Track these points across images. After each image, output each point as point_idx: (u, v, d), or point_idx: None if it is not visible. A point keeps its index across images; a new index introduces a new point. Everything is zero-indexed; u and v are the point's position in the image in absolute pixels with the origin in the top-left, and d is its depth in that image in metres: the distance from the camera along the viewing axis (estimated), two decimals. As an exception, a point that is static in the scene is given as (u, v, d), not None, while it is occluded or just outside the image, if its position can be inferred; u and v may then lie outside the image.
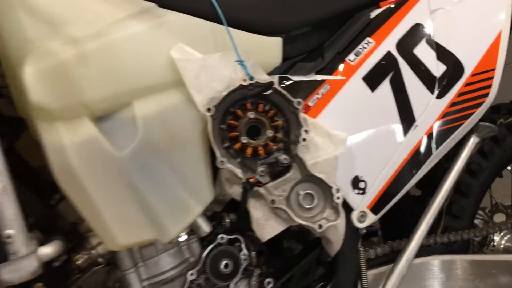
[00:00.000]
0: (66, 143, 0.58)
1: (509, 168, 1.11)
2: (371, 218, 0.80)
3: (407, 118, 0.81)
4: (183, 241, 0.75)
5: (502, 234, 1.14)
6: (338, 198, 0.69)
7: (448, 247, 0.94)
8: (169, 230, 0.66)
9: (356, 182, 0.79)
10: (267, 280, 0.77)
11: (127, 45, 0.64)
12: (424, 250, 0.90)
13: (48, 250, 0.62)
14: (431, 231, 0.93)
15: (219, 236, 0.75)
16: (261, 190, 0.67)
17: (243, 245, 0.77)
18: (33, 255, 0.57)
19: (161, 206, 0.65)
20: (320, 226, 0.68)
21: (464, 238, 0.95)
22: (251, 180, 0.67)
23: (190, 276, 0.74)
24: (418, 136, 0.82)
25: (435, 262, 0.90)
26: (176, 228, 0.67)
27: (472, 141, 0.91)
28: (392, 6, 0.85)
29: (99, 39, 0.62)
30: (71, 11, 0.62)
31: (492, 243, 1.13)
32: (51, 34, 0.60)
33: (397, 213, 0.92)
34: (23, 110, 0.62)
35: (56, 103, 0.58)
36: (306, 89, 0.76)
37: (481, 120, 0.92)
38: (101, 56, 0.61)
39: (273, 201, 0.67)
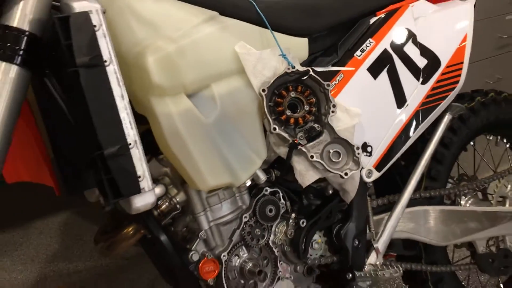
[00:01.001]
0: (172, 112, 0.80)
1: (471, 143, 1.38)
2: (376, 174, 1.05)
3: (400, 99, 1.07)
4: (237, 193, 0.97)
5: (466, 198, 1.41)
6: (358, 153, 0.94)
7: (428, 201, 1.20)
8: (240, 176, 0.89)
9: (364, 147, 1.03)
10: (301, 220, 1.01)
11: (204, 43, 0.86)
12: (411, 202, 1.16)
13: (158, 190, 0.84)
14: (416, 189, 1.19)
15: (264, 188, 0.98)
16: (303, 149, 0.91)
17: (281, 196, 1.00)
18: (152, 191, 0.78)
19: (234, 159, 0.87)
20: (346, 174, 0.93)
21: (441, 194, 1.21)
22: (296, 141, 0.91)
23: (244, 218, 0.96)
24: (409, 113, 1.08)
25: (420, 210, 1.16)
26: (244, 175, 0.89)
27: (447, 117, 1.18)
28: (385, 15, 1.11)
29: (186, 39, 0.84)
30: (164, 18, 0.84)
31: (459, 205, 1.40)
32: (154, 35, 0.82)
33: (389, 176, 1.18)
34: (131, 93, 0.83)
35: (166, 83, 0.79)
36: (327, 77, 1.00)
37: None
38: (190, 51, 0.83)
39: (312, 156, 0.91)
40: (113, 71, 0.74)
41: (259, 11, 0.93)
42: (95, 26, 0.72)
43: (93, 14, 0.72)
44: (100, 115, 0.73)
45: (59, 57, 0.73)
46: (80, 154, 0.85)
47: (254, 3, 0.93)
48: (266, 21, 0.93)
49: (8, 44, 0.70)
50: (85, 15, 0.71)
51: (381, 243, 1.08)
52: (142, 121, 0.85)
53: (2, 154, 0.74)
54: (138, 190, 0.76)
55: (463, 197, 1.36)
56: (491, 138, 1.43)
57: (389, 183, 1.18)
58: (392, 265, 1.08)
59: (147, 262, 1.62)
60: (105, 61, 0.73)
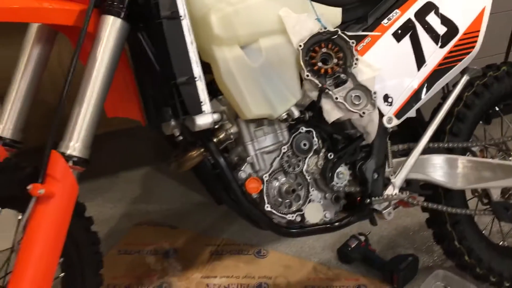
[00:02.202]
0: (228, 57, 1.06)
1: (497, 108, 1.53)
2: (395, 121, 1.26)
3: (420, 59, 1.27)
4: (278, 130, 1.22)
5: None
6: (375, 97, 1.16)
7: (449, 153, 1.38)
8: (278, 110, 1.13)
9: (386, 98, 1.25)
10: (329, 154, 1.24)
11: (255, 7, 1.11)
12: (432, 150, 1.35)
13: (216, 116, 1.10)
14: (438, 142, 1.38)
15: (300, 127, 1.22)
16: (330, 92, 1.14)
17: (314, 134, 1.24)
18: (210, 114, 1.05)
19: (274, 96, 1.12)
20: (364, 113, 1.15)
21: (461, 147, 1.39)
22: (324, 86, 1.14)
23: (283, 149, 1.21)
24: (427, 71, 1.27)
25: (439, 157, 1.35)
26: (281, 109, 1.14)
27: (464, 78, 1.36)
28: (412, -10, 1.31)
29: (241, 4, 1.09)
30: (225, -12, 1.11)
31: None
32: (216, 0, 1.08)
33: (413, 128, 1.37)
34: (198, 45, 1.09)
35: (224, 35, 1.05)
36: (357, 39, 1.22)
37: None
38: (243, 12, 1.09)
39: (336, 98, 1.14)
40: (186, 24, 1.01)
41: (301, -17, 1.17)
42: (174, -10, 0.99)
43: (173, -18, 1.00)
44: (175, 53, 1.00)
45: (149, 13, 1.02)
46: (160, 94, 1.13)
47: (297, -23, 1.18)
48: (306, -8, 1.17)
49: (115, 3, 0.99)
50: (167, -17, 0.99)
51: (397, 179, 1.29)
52: (206, 72, 1.12)
53: (105, 92, 1.03)
54: (200, 111, 1.03)
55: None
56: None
57: (412, 134, 1.38)
58: (409, 197, 1.29)
59: (207, 209, 1.92)
60: (181, 16, 1.01)
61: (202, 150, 1.19)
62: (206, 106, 1.05)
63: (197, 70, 1.03)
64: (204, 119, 1.05)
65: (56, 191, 0.94)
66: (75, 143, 0.98)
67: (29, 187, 0.93)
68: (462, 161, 1.38)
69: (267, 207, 1.20)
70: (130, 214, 1.92)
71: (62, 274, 1.14)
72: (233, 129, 1.19)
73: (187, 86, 1.02)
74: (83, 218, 1.14)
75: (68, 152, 0.97)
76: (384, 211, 1.29)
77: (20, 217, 1.03)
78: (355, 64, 1.16)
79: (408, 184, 1.34)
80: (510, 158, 1.48)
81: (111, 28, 1.00)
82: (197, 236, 1.80)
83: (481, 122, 1.50)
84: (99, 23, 1.01)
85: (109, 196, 2.00)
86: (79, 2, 1.02)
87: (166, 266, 1.65)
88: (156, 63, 1.09)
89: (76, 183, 0.98)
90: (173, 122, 1.17)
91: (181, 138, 1.22)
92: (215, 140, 1.18)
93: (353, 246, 1.66)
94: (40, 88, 1.16)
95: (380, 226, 1.77)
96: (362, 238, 1.69)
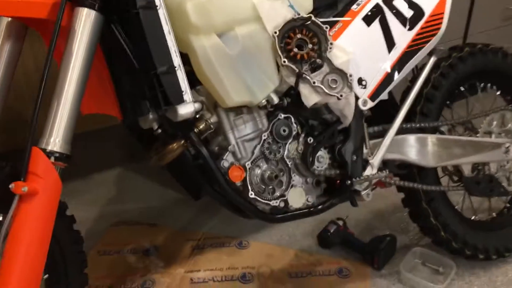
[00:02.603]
0: (206, 45, 1.06)
1: (462, 88, 1.58)
2: (370, 103, 1.29)
3: (390, 42, 1.30)
4: (257, 117, 1.23)
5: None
6: (350, 80, 1.18)
7: (421, 132, 1.42)
8: (257, 96, 1.14)
9: (360, 81, 1.27)
10: (309, 138, 1.25)
11: (231, -4, 1.11)
12: (405, 131, 1.39)
13: (197, 105, 1.09)
14: (410, 122, 1.42)
15: (279, 114, 1.23)
16: (307, 77, 1.16)
17: (293, 120, 1.25)
18: (192, 103, 1.04)
19: (253, 82, 1.12)
20: (341, 96, 1.17)
21: (431, 126, 1.43)
22: (301, 71, 1.15)
23: (263, 136, 1.22)
24: (397, 53, 1.31)
25: (411, 137, 1.39)
26: (261, 95, 1.14)
27: (432, 59, 1.40)
28: (379, -24, 1.34)
29: (217, -8, 1.10)
30: (198, -23, 1.10)
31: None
32: (191, -11, 1.08)
33: (386, 109, 1.41)
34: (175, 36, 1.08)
35: (200, 23, 1.05)
36: (329, 25, 1.24)
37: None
38: (220, 0, 1.09)
39: (314, 82, 1.16)
40: (162, 13, 1.01)
41: (272, -27, 1.18)
42: (149, -20, 0.98)
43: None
44: (154, 43, 0.99)
45: (124, 4, 1.00)
46: (136, 87, 1.11)
47: (268, -33, 1.19)
48: (278, -20, 1.18)
49: (89, -4, 0.98)
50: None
51: (375, 160, 1.32)
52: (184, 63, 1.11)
53: (83, 86, 1.01)
54: (182, 100, 1.03)
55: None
56: (481, 85, 1.64)
57: (385, 116, 1.41)
58: (387, 176, 1.32)
59: (184, 205, 1.91)
60: (157, 5, 1.00)
61: (183, 141, 1.18)
62: (187, 95, 1.04)
63: (176, 59, 1.02)
64: (186, 108, 1.05)
65: (39, 188, 0.92)
66: (56, 138, 0.95)
67: (11, 185, 0.90)
68: (431, 140, 1.42)
69: (251, 195, 1.21)
70: (106, 215, 1.89)
71: (46, 276, 1.11)
72: (213, 119, 1.19)
73: (168, 75, 1.01)
74: (65, 217, 1.12)
75: (49, 148, 0.94)
76: (363, 192, 1.31)
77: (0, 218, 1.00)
78: (330, 48, 1.18)
79: (385, 164, 1.37)
80: (477, 135, 1.54)
81: (85, 20, 0.98)
82: (177, 232, 1.78)
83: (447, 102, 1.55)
84: (72, 16, 0.99)
85: (83, 198, 1.96)
86: None
87: (148, 264, 1.63)
88: (132, 55, 1.07)
89: (59, 179, 0.95)
90: (151, 116, 1.16)
91: (159, 131, 1.21)
92: (195, 130, 1.17)
93: (332, 231, 1.69)
94: (12, 87, 1.12)
95: (356, 210, 1.79)
96: (340, 222, 1.71)
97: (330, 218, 1.71)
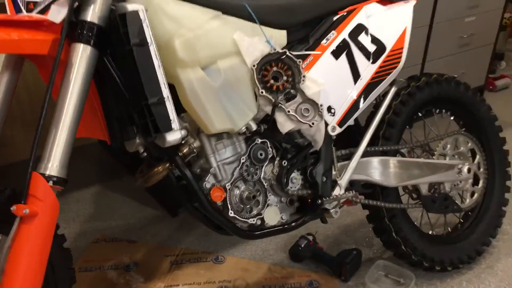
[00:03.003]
0: (192, 78, 1.15)
1: (419, 114, 1.73)
2: (338, 129, 1.41)
3: (356, 74, 1.43)
4: (236, 142, 1.33)
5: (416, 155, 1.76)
6: (321, 109, 1.30)
7: (383, 155, 1.56)
8: (238, 124, 1.24)
9: (329, 109, 1.39)
10: (283, 161, 1.36)
11: (212, 33, 1.22)
12: (369, 154, 1.52)
13: (183, 132, 1.18)
14: (373, 146, 1.55)
15: (256, 139, 1.34)
16: (282, 106, 1.27)
17: (268, 145, 1.36)
18: (179, 131, 1.14)
19: (233, 111, 1.23)
20: (313, 124, 1.29)
21: (392, 150, 1.57)
22: (277, 101, 1.27)
23: (242, 159, 1.32)
24: (362, 84, 1.44)
25: (375, 159, 1.52)
26: (241, 123, 1.25)
27: (392, 90, 1.54)
28: (345, 14, 1.47)
29: (200, 29, 1.20)
30: (185, 16, 1.20)
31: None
32: (178, 27, 1.18)
33: (352, 134, 1.54)
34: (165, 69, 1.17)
35: (187, 58, 1.15)
36: (301, 58, 1.36)
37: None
38: (203, 37, 1.19)
39: (288, 111, 1.27)
40: (153, 50, 1.10)
41: (250, 11, 1.30)
42: (142, 20, 1.08)
43: (140, 12, 1.08)
44: (146, 77, 1.08)
45: (117, 41, 1.09)
46: (125, 113, 1.20)
47: (247, 5, 1.30)
48: (256, 18, 1.29)
49: (85, 32, 1.06)
50: (136, 13, 1.07)
51: (343, 181, 1.44)
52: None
53: (79, 115, 1.08)
54: (170, 128, 1.12)
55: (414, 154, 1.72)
56: (437, 111, 1.79)
57: (351, 140, 1.54)
58: (354, 196, 1.44)
59: (162, 222, 1.98)
60: (148, 43, 1.09)
61: (168, 164, 1.27)
62: (175, 123, 1.14)
63: (165, 91, 1.12)
64: (174, 136, 1.14)
65: (39, 210, 0.99)
66: (54, 164, 1.02)
67: (13, 208, 0.97)
68: (393, 162, 1.56)
69: (231, 213, 1.31)
70: (86, 232, 1.94)
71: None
72: (196, 143, 1.28)
73: (158, 106, 1.10)
74: (56, 236, 1.18)
75: (48, 173, 1.01)
76: (332, 210, 1.43)
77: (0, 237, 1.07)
78: (303, 80, 1.30)
79: (352, 185, 1.49)
80: (433, 157, 1.68)
81: (81, 55, 1.06)
82: (156, 248, 1.85)
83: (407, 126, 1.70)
84: (70, 51, 1.07)
85: (62, 216, 2.00)
86: (47, 31, 1.07)
87: (129, 279, 1.69)
88: (123, 86, 1.16)
89: (57, 202, 1.02)
90: (138, 140, 1.24)
91: (145, 154, 1.30)
92: (180, 154, 1.27)
93: (302, 245, 1.80)
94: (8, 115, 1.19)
95: (325, 226, 1.92)
96: (310, 237, 1.83)
97: (301, 233, 1.83)
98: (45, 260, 1.02)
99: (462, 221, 1.85)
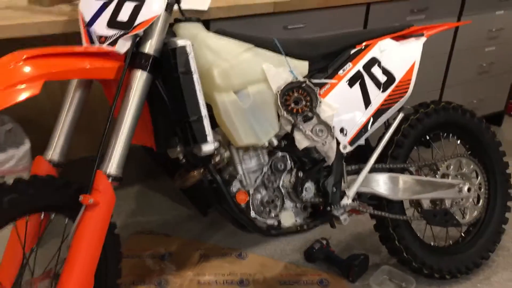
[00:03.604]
0: (226, 100, 1.40)
1: (427, 137, 1.92)
2: (349, 148, 1.63)
3: (367, 101, 1.65)
4: (260, 154, 1.56)
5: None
6: (333, 130, 1.53)
7: (390, 172, 1.76)
8: (262, 139, 1.48)
9: (342, 130, 1.62)
10: (299, 172, 1.59)
11: (245, 63, 1.46)
12: (377, 170, 1.73)
13: (216, 144, 1.42)
14: (382, 163, 1.76)
15: (277, 152, 1.57)
16: (300, 127, 1.50)
17: (288, 158, 1.59)
18: (213, 143, 1.38)
19: (259, 129, 1.47)
20: (325, 142, 1.51)
21: (399, 167, 1.77)
22: (296, 122, 1.50)
23: (264, 169, 1.56)
24: (372, 110, 1.65)
25: (382, 175, 1.73)
26: (264, 139, 1.49)
27: (400, 115, 1.75)
28: (362, 47, 1.69)
29: (235, 60, 1.45)
30: (222, 47, 1.45)
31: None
32: (216, 57, 1.43)
33: (363, 152, 1.75)
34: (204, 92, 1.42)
35: (223, 84, 1.40)
36: (320, 86, 1.59)
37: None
38: (237, 66, 1.44)
39: (305, 131, 1.50)
40: (196, 77, 1.35)
41: (278, 45, 1.54)
42: (188, 53, 1.33)
43: (187, 47, 1.33)
44: (189, 99, 1.34)
45: (168, 69, 1.35)
46: (169, 126, 1.45)
47: (275, 40, 1.54)
48: (282, 51, 1.53)
49: (143, 61, 1.32)
50: (184, 48, 1.33)
51: (351, 192, 1.65)
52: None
53: (134, 125, 1.33)
54: (206, 141, 1.37)
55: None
56: (444, 135, 1.98)
57: (362, 157, 1.75)
58: (360, 205, 1.66)
59: (194, 220, 2.23)
60: (192, 71, 1.34)
61: (202, 170, 1.52)
62: (210, 137, 1.38)
63: (203, 111, 1.37)
64: (208, 147, 1.39)
65: (100, 201, 1.25)
66: (113, 164, 1.28)
67: (81, 197, 1.23)
68: (402, 178, 1.76)
69: (252, 214, 1.54)
70: (128, 225, 2.21)
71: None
72: (226, 154, 1.52)
73: (197, 123, 1.36)
74: (110, 223, 1.44)
75: (108, 171, 1.28)
76: (341, 217, 1.64)
77: (67, 221, 1.33)
78: (319, 104, 1.53)
79: (359, 196, 1.71)
80: (436, 175, 1.87)
81: (139, 79, 1.32)
82: (188, 242, 2.10)
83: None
84: (129, 75, 1.33)
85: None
86: (113, 59, 1.33)
87: (163, 267, 1.95)
88: (169, 104, 1.41)
89: (114, 195, 1.28)
90: (178, 148, 1.50)
91: (184, 161, 1.55)
92: (212, 162, 1.51)
93: (317, 248, 2.01)
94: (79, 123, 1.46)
95: (338, 233, 2.14)
96: (324, 241, 2.04)
97: (316, 237, 2.05)
98: (102, 241, 1.27)
99: (463, 235, 2.02)
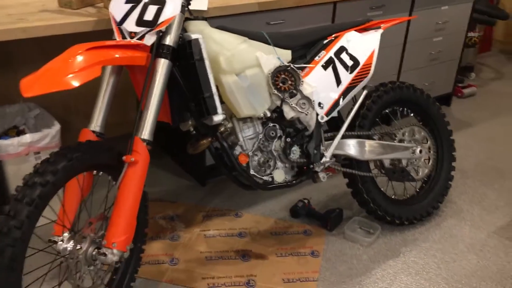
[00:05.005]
0: (229, 81, 1.76)
1: (387, 111, 2.33)
2: (325, 118, 2.02)
3: (338, 81, 2.04)
4: (256, 125, 1.93)
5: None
6: (313, 103, 1.91)
7: (358, 138, 2.16)
8: (258, 111, 1.85)
9: (319, 104, 2.00)
10: (287, 138, 1.97)
11: (243, 52, 1.82)
12: (348, 137, 2.12)
13: (223, 115, 1.79)
14: (352, 131, 2.16)
15: (269, 123, 1.94)
16: (287, 101, 1.88)
17: (277, 127, 1.97)
18: (222, 114, 1.74)
19: (256, 103, 1.83)
20: (308, 113, 1.89)
21: (365, 134, 2.17)
22: (284, 97, 1.87)
23: (259, 136, 1.92)
24: (342, 88, 2.04)
25: (352, 140, 2.12)
26: (260, 111, 1.85)
27: (364, 92, 2.15)
28: (332, 38, 2.08)
29: (235, 49, 1.81)
30: (224, 39, 1.81)
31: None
32: (220, 48, 1.78)
33: (336, 122, 2.14)
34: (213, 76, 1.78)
35: (227, 68, 1.75)
36: (300, 69, 1.97)
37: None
38: (237, 54, 1.80)
39: (291, 104, 1.88)
40: (207, 63, 1.71)
41: (267, 37, 1.91)
42: (201, 44, 1.69)
43: (200, 39, 1.69)
44: (203, 80, 1.69)
45: (184, 57, 1.69)
46: (183, 103, 1.80)
47: (264, 33, 1.91)
48: (270, 42, 1.91)
49: (165, 51, 1.66)
50: (197, 40, 1.68)
51: (328, 153, 2.04)
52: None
53: (160, 102, 1.67)
54: (216, 112, 1.73)
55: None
56: (400, 109, 2.39)
57: (336, 126, 2.14)
58: (336, 166, 2.05)
59: (195, 189, 2.57)
60: (204, 59, 1.70)
61: (210, 139, 1.87)
62: (219, 109, 1.74)
63: (214, 89, 1.73)
64: (218, 117, 1.74)
65: (139, 160, 1.59)
66: (146, 132, 1.62)
67: (124, 157, 1.57)
68: (368, 143, 2.16)
69: (252, 172, 1.91)
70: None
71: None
72: (229, 125, 1.88)
73: (210, 98, 1.71)
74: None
75: (142, 136, 1.61)
76: (320, 174, 2.03)
77: (110, 178, 1.67)
78: (301, 84, 1.91)
79: (335, 157, 2.10)
80: (394, 141, 2.29)
81: (162, 66, 1.66)
82: (192, 206, 2.46)
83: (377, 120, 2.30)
84: (155, 62, 1.67)
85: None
86: (141, 50, 1.66)
87: (174, 225, 2.30)
88: (184, 85, 1.76)
89: (148, 155, 1.62)
90: (190, 122, 1.85)
91: (194, 132, 1.90)
92: (219, 131, 1.87)
93: (300, 206, 2.40)
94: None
95: (317, 194, 2.53)
96: (306, 201, 2.43)
97: (299, 198, 2.43)
98: (141, 192, 1.61)
99: (418, 190, 2.45)
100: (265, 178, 1.95)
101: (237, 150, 1.90)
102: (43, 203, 1.36)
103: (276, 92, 1.87)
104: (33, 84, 1.36)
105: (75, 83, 1.39)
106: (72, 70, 1.41)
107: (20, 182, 1.39)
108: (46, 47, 2.30)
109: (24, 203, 1.32)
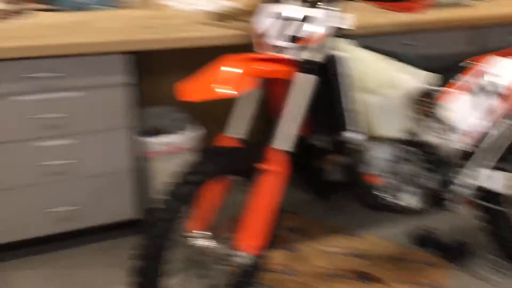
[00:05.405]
0: (369, 99, 1.76)
1: None
2: (465, 146, 1.92)
3: (481, 107, 1.93)
4: (393, 146, 1.90)
5: None
6: (452, 129, 1.83)
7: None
8: (395, 133, 1.82)
9: (459, 130, 1.91)
10: (422, 164, 1.91)
11: (384, 70, 1.81)
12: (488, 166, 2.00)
13: (361, 134, 1.79)
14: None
15: (404, 145, 1.90)
16: (425, 125, 1.82)
17: (412, 151, 1.91)
18: (359, 133, 1.74)
19: (393, 124, 1.80)
20: (446, 139, 1.82)
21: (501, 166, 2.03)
22: (421, 121, 1.82)
23: (393, 157, 1.89)
24: (485, 115, 1.94)
25: (495, 173, 1.99)
26: (395, 132, 1.82)
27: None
28: (471, 62, 1.98)
29: (376, 68, 1.80)
30: (364, 58, 1.81)
31: None
32: (363, 66, 1.79)
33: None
34: None
35: (368, 86, 1.77)
36: (439, 92, 1.90)
37: None
38: (378, 73, 1.79)
39: (429, 129, 1.82)
40: (349, 80, 1.72)
41: (407, 58, 1.87)
42: (346, 62, 1.71)
43: (347, 58, 1.71)
44: (343, 95, 1.71)
45: (327, 72, 1.72)
46: (320, 117, 1.82)
47: (406, 54, 1.88)
48: (412, 63, 1.87)
49: (312, 67, 1.69)
50: (345, 58, 1.70)
51: (465, 183, 1.94)
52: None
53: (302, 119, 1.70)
54: (351, 129, 1.73)
55: None
56: None
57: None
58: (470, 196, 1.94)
59: (314, 204, 2.59)
60: (348, 76, 1.71)
61: (340, 155, 1.87)
62: (355, 126, 1.74)
63: (352, 106, 1.73)
64: (353, 134, 1.74)
65: (273, 169, 1.63)
66: (284, 142, 1.67)
67: (259, 165, 1.63)
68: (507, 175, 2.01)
69: (382, 194, 1.87)
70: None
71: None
72: (363, 143, 1.86)
73: (350, 115, 1.72)
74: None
75: (280, 147, 1.66)
76: (454, 205, 1.93)
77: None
78: (442, 108, 1.84)
79: (471, 189, 1.99)
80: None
81: (310, 82, 1.67)
82: (312, 220, 2.48)
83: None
84: (301, 77, 1.70)
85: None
86: (288, 65, 1.70)
87: (293, 237, 2.33)
88: (323, 100, 1.78)
89: (288, 167, 1.65)
90: (325, 137, 1.87)
91: (328, 147, 1.91)
92: (353, 149, 1.86)
93: (426, 234, 2.29)
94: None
95: (442, 225, 2.40)
96: (432, 230, 2.31)
97: (421, 225, 2.33)
98: (278, 203, 1.65)
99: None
100: (391, 200, 1.90)
101: (367, 168, 1.88)
102: (193, 200, 1.49)
103: (414, 115, 1.82)
104: (193, 90, 1.48)
105: (234, 93, 1.48)
106: (231, 80, 1.50)
107: (162, 178, 1.53)
108: (183, 57, 2.46)
109: (178, 199, 1.44)
